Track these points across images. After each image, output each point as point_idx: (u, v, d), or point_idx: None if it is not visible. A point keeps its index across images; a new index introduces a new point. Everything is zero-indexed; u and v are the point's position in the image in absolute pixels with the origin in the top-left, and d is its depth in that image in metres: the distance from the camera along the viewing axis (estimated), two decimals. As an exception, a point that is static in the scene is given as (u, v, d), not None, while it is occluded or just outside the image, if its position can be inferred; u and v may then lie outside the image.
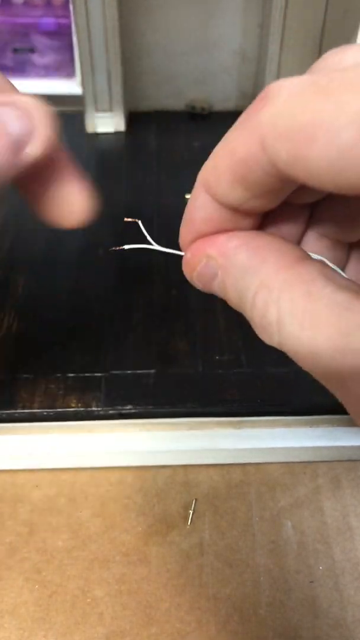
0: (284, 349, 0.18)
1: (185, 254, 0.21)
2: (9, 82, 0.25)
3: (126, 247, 0.24)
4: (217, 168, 0.18)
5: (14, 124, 0.22)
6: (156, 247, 0.24)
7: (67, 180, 0.26)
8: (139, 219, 0.47)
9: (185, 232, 0.21)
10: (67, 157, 0.26)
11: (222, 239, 0.20)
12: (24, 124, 0.23)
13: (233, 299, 0.20)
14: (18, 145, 0.23)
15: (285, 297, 0.17)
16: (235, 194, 0.18)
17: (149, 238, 0.24)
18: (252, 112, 0.16)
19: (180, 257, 0.22)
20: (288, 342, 0.17)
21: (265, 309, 0.18)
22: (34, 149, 0.23)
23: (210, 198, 0.19)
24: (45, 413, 0.33)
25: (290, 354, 0.18)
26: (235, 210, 0.19)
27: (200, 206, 0.20)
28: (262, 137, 0.16)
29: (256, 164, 0.16)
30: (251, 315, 0.19)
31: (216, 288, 0.21)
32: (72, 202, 0.27)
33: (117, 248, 0.24)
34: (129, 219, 0.25)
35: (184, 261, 0.22)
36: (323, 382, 0.19)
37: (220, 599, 0.30)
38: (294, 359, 0.18)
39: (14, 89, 0.25)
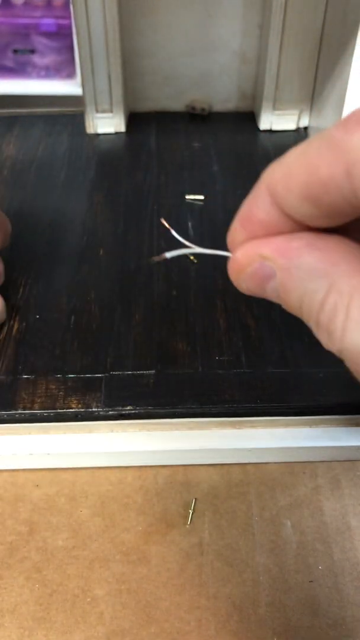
0: (343, 355, 0.17)
1: (235, 253, 0.21)
2: None
3: (167, 255, 0.23)
4: (290, 179, 0.17)
5: None
6: (198, 250, 0.23)
7: None
8: (137, 220, 0.47)
9: (238, 231, 0.21)
10: None
11: (281, 239, 0.19)
12: None
13: (293, 302, 0.18)
14: None
15: (355, 304, 0.16)
16: (304, 210, 0.17)
17: (187, 243, 0.23)
18: (339, 133, 0.15)
19: (203, 258, 0.22)
20: (350, 349, 0.17)
21: (333, 313, 0.17)
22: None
23: (272, 202, 0.18)
24: (45, 414, 0.34)
25: (349, 362, 0.17)
26: (298, 222, 0.18)
27: (260, 208, 0.19)
28: (350, 164, 0.15)
29: (337, 189, 0.16)
30: (317, 319, 0.18)
31: (270, 290, 0.19)
32: None
33: (159, 258, 0.23)
34: (165, 223, 0.25)
35: (231, 260, 0.21)
36: None
37: (220, 598, 0.30)
38: (352, 366, 0.17)
39: None
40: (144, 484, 0.34)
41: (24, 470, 0.34)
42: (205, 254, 0.23)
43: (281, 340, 0.37)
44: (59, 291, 0.41)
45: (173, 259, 0.45)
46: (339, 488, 0.34)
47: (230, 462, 0.35)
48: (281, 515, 0.33)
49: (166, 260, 0.24)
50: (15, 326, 0.38)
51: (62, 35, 0.64)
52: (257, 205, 0.19)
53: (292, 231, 0.18)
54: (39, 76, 0.66)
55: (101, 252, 0.44)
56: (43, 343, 0.37)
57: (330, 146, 0.16)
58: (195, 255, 0.43)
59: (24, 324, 0.38)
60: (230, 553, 0.31)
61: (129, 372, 0.36)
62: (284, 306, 0.19)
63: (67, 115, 0.59)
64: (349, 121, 0.15)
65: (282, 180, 0.18)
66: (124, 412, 0.34)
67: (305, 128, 0.58)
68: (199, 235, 0.45)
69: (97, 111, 0.56)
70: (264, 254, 0.19)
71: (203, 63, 0.57)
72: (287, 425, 0.35)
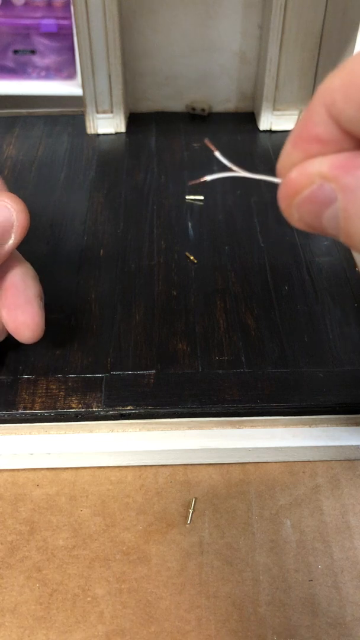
0: None
1: (290, 173, 0.17)
2: None
3: (207, 178, 0.21)
4: (350, 86, 0.15)
5: None
6: (241, 173, 0.20)
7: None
8: (137, 220, 0.47)
9: (291, 153, 0.18)
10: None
11: (343, 156, 0.16)
12: (4, 223, 0.29)
13: (356, 231, 0.16)
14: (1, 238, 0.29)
15: None
16: None
17: (232, 166, 0.20)
18: None
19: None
20: None
21: None
22: (13, 241, 0.30)
23: (329, 119, 0.16)
24: (46, 414, 0.34)
25: None
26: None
27: (316, 124, 0.16)
28: None
29: None
30: None
31: (328, 218, 0.16)
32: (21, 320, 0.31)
33: (197, 181, 0.21)
34: (210, 145, 0.23)
35: (284, 183, 0.18)
36: None
37: (220, 597, 0.30)
38: None
39: None
40: (144, 484, 0.34)
41: (24, 469, 0.35)
42: (251, 178, 0.20)
43: (281, 340, 0.37)
44: (59, 291, 0.41)
45: (174, 259, 0.45)
46: (339, 487, 0.34)
47: (230, 462, 0.35)
48: (281, 514, 0.33)
49: (205, 182, 0.23)
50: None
51: (62, 36, 0.64)
52: (312, 122, 0.17)
53: (354, 150, 0.16)
54: (40, 76, 0.66)
55: (101, 252, 0.44)
56: (43, 343, 0.37)
57: None
58: (196, 255, 0.44)
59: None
60: (230, 552, 0.31)
61: (129, 372, 0.36)
62: (343, 239, 0.16)
63: (67, 116, 0.59)
64: None
65: (341, 89, 0.15)
66: (124, 412, 0.34)
67: (305, 128, 0.58)
68: (199, 235, 0.45)
69: (97, 111, 0.56)
70: (324, 172, 0.16)
71: (203, 63, 0.57)
72: (287, 425, 0.35)
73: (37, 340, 0.32)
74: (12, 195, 0.30)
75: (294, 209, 0.17)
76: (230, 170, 0.20)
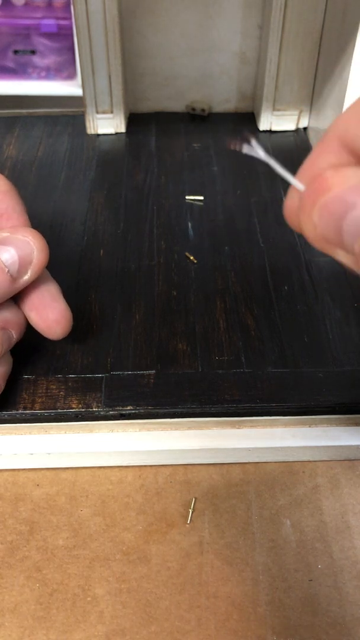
0: None
1: (324, 173, 0.17)
2: (18, 206, 0.33)
3: (245, 150, 0.21)
4: None
5: (12, 261, 0.30)
6: (273, 164, 0.20)
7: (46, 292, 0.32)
8: (137, 220, 0.47)
9: (305, 170, 0.18)
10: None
11: None
12: (24, 259, 0.30)
13: None
14: (15, 276, 0.30)
15: None
16: None
17: (263, 156, 0.21)
18: None
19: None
20: None
21: None
22: (29, 277, 0.31)
23: (342, 152, 0.17)
24: (46, 414, 0.34)
25: None
26: None
27: (329, 157, 0.17)
28: None
29: None
30: None
31: (350, 223, 0.16)
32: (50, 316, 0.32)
33: (235, 145, 0.21)
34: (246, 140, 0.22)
35: (306, 192, 0.18)
36: None
37: (220, 597, 0.30)
38: None
39: (20, 216, 0.33)
40: (144, 484, 0.34)
41: (24, 469, 0.35)
42: (279, 173, 0.20)
43: (281, 340, 0.37)
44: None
45: (174, 259, 0.45)
46: (339, 487, 0.34)
47: (230, 462, 0.35)
48: (281, 514, 0.33)
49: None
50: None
51: (62, 36, 0.64)
52: (325, 156, 0.17)
53: None
54: (40, 77, 0.66)
55: (101, 252, 0.44)
56: (43, 343, 0.37)
57: None
58: (196, 255, 0.44)
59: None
60: (230, 552, 0.31)
61: (129, 372, 0.36)
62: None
63: (67, 116, 0.60)
64: None
65: (354, 117, 0.16)
66: (124, 412, 0.34)
67: (305, 128, 0.58)
68: (199, 235, 0.45)
69: (97, 112, 0.56)
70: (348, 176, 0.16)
71: (203, 64, 0.57)
72: (286, 424, 0.35)
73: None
74: (34, 231, 0.31)
75: (315, 213, 0.17)
76: (266, 160, 0.21)
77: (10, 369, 0.34)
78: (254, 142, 0.21)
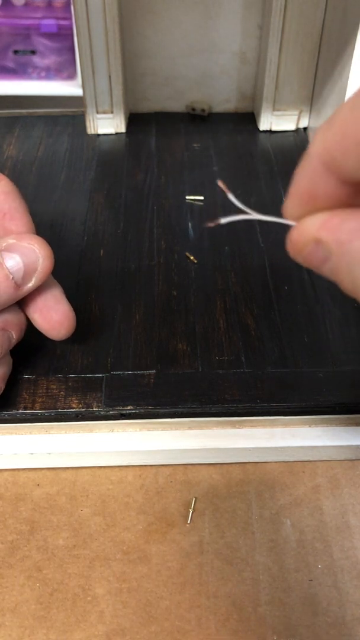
0: None
1: (291, 233, 0.20)
2: (24, 216, 0.33)
3: (223, 221, 0.22)
4: (347, 139, 0.16)
5: (17, 268, 0.30)
6: (257, 216, 0.22)
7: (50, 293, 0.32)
8: (137, 220, 0.47)
9: (292, 205, 0.20)
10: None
11: (335, 221, 0.18)
12: (29, 267, 0.30)
13: (347, 286, 0.18)
14: (20, 283, 0.30)
15: None
16: None
17: (246, 209, 0.22)
18: None
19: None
20: None
21: None
22: (33, 284, 0.31)
23: (325, 171, 0.18)
24: (46, 414, 0.34)
25: None
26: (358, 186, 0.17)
27: (312, 179, 0.18)
28: None
29: None
30: None
31: (326, 271, 0.19)
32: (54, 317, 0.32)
33: (214, 223, 0.22)
34: (222, 185, 0.23)
35: (290, 240, 0.20)
36: None
37: (220, 597, 0.30)
38: None
39: (22, 217, 0.33)
40: (144, 483, 0.34)
41: (25, 469, 0.35)
42: (266, 220, 0.21)
43: (281, 340, 0.38)
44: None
45: (174, 259, 0.46)
46: (339, 487, 0.34)
47: (230, 462, 0.35)
48: (281, 514, 0.33)
49: (220, 225, 0.23)
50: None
51: (62, 36, 0.64)
52: (308, 177, 0.18)
53: (351, 200, 0.18)
54: (40, 77, 0.66)
55: (101, 252, 0.44)
56: (44, 343, 0.37)
57: None
58: (196, 255, 0.44)
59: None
60: (230, 552, 0.31)
61: (130, 372, 0.36)
62: (341, 287, 0.19)
63: (67, 116, 0.60)
64: None
65: (337, 144, 0.17)
66: (124, 412, 0.34)
67: (305, 128, 0.58)
68: (199, 235, 0.46)
69: (97, 112, 0.56)
70: (321, 237, 0.18)
71: (203, 64, 0.57)
72: (286, 424, 0.35)
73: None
74: (40, 239, 0.31)
75: (299, 259, 0.20)
76: (245, 212, 0.22)
77: (10, 369, 0.34)
78: (230, 195, 0.23)
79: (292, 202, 0.20)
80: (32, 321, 0.33)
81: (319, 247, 0.18)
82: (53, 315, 0.32)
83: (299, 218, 0.19)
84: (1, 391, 0.33)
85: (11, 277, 0.30)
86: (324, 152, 0.17)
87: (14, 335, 0.32)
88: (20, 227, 0.33)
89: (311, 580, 0.30)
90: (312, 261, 0.19)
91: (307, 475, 0.35)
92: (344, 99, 0.47)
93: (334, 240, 0.18)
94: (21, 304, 0.33)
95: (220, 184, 0.23)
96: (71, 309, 0.33)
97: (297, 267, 0.43)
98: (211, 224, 0.23)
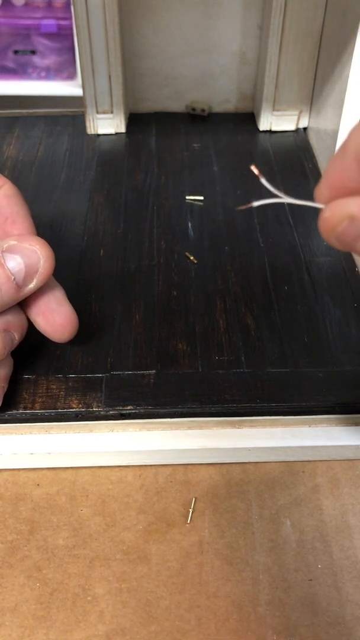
0: None
1: (324, 212, 0.21)
2: (26, 219, 0.33)
3: (255, 204, 0.22)
4: None
5: (18, 269, 0.30)
6: (287, 199, 0.22)
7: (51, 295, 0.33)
8: (137, 220, 0.47)
9: (324, 188, 0.21)
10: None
11: None
12: (30, 268, 0.30)
13: None
14: (21, 284, 0.30)
15: None
16: None
17: (276, 191, 0.23)
18: None
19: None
20: None
21: None
22: (34, 285, 0.31)
23: (358, 167, 0.19)
24: (46, 413, 0.34)
25: None
26: None
27: (345, 172, 0.19)
28: None
29: None
30: None
31: None
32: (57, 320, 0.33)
33: (246, 206, 0.23)
34: (255, 170, 0.24)
35: (321, 219, 0.21)
36: None
37: (220, 596, 0.30)
38: None
39: (24, 220, 0.33)
40: (144, 483, 0.34)
41: (24, 469, 0.35)
42: (296, 204, 0.22)
43: (281, 340, 0.38)
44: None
45: (174, 259, 0.46)
46: (338, 487, 0.34)
47: (230, 462, 0.35)
48: (281, 514, 0.33)
49: (252, 208, 0.24)
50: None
51: (62, 36, 0.64)
52: (344, 173, 0.19)
53: None
54: (40, 77, 0.66)
55: (101, 252, 0.44)
56: (44, 343, 0.37)
57: None
58: (196, 255, 0.44)
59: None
60: (230, 552, 0.31)
61: (129, 372, 0.36)
62: None
63: (67, 116, 0.60)
64: None
65: None
66: (124, 412, 0.34)
67: (305, 129, 0.58)
68: (199, 235, 0.46)
69: (97, 112, 0.56)
70: (352, 212, 0.19)
71: (203, 64, 0.57)
72: (286, 424, 0.35)
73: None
74: (41, 240, 0.31)
75: (332, 239, 0.21)
76: (276, 196, 0.22)
77: (11, 370, 0.34)
78: (263, 180, 0.23)
79: (324, 187, 0.21)
80: (35, 324, 0.33)
81: (354, 224, 0.19)
82: (56, 318, 0.32)
83: (329, 202, 0.20)
84: (4, 391, 0.33)
85: (12, 278, 0.30)
86: (358, 153, 0.19)
87: (16, 337, 0.32)
88: (22, 231, 0.33)
89: (311, 580, 0.30)
90: (346, 238, 0.20)
91: (307, 475, 0.35)
92: (344, 99, 0.47)
93: None
94: (23, 306, 0.33)
95: (253, 168, 0.23)
96: (74, 311, 0.33)
97: (297, 267, 0.43)
98: (243, 207, 0.24)
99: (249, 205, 0.22)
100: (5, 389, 0.33)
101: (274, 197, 0.22)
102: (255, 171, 0.23)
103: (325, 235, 0.21)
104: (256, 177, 0.22)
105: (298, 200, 0.22)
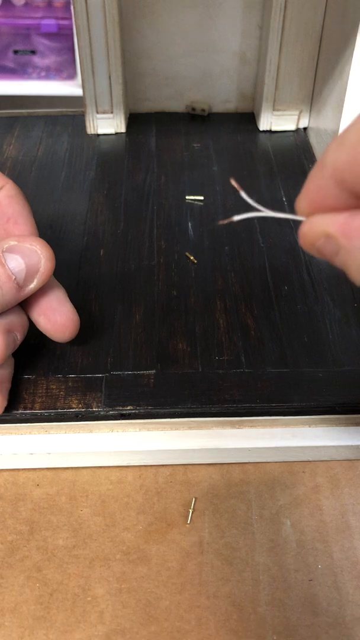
0: None
1: (303, 226, 0.21)
2: (28, 220, 0.33)
3: (236, 218, 0.23)
4: (358, 165, 0.18)
5: (19, 269, 0.30)
6: (270, 213, 0.23)
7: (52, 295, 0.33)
8: (137, 220, 0.47)
9: (303, 202, 0.21)
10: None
11: (343, 216, 0.20)
12: (31, 268, 0.30)
13: (356, 278, 0.20)
14: (22, 284, 0.30)
15: None
16: None
17: (258, 206, 0.23)
18: None
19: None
20: None
21: None
22: (35, 285, 0.31)
23: (335, 184, 0.19)
24: (46, 414, 0.34)
25: None
26: None
27: (323, 187, 0.20)
28: None
29: None
30: None
31: (337, 263, 0.21)
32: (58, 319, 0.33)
33: (226, 221, 0.23)
34: (234, 183, 0.24)
35: (301, 233, 0.21)
36: None
37: (220, 597, 0.30)
38: None
39: (26, 220, 0.33)
40: (144, 483, 0.34)
41: (24, 469, 0.35)
42: (277, 217, 0.23)
43: (281, 340, 0.38)
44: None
45: (174, 259, 0.46)
46: (339, 487, 0.34)
47: (230, 462, 0.35)
48: (281, 514, 0.33)
49: (232, 223, 0.24)
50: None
51: (62, 36, 0.64)
52: (318, 184, 0.20)
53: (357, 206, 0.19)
54: (40, 77, 0.66)
55: (101, 252, 0.44)
56: (43, 343, 0.37)
57: None
58: (196, 255, 0.44)
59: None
60: (230, 552, 0.31)
61: (129, 372, 0.36)
62: (350, 278, 0.20)
63: (67, 116, 0.60)
64: None
65: (348, 167, 0.18)
66: (124, 412, 0.34)
67: (305, 128, 0.58)
68: (199, 235, 0.45)
69: (97, 112, 0.56)
70: (330, 232, 0.20)
71: (203, 64, 0.57)
72: (286, 424, 0.35)
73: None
74: (42, 240, 0.31)
75: (310, 252, 0.21)
76: (257, 210, 0.23)
77: (13, 370, 0.34)
78: (242, 193, 0.23)
79: (303, 201, 0.21)
80: (36, 324, 0.33)
81: (329, 241, 0.20)
82: (58, 318, 0.33)
83: (309, 215, 0.21)
84: (8, 390, 0.33)
85: (14, 278, 0.30)
86: (335, 172, 0.19)
87: (19, 337, 0.32)
88: (24, 231, 0.33)
89: (311, 580, 0.30)
90: (324, 253, 0.20)
91: (307, 475, 0.35)
92: (344, 99, 0.47)
93: (343, 236, 0.19)
94: (24, 306, 0.33)
95: (232, 182, 0.24)
96: (75, 311, 0.33)
97: (297, 267, 0.43)
98: (224, 222, 0.24)
99: (230, 220, 0.22)
100: (9, 388, 0.33)
101: (256, 211, 0.23)
102: (235, 185, 0.23)
103: (305, 248, 0.21)
104: (238, 188, 0.23)
105: (279, 213, 0.22)
